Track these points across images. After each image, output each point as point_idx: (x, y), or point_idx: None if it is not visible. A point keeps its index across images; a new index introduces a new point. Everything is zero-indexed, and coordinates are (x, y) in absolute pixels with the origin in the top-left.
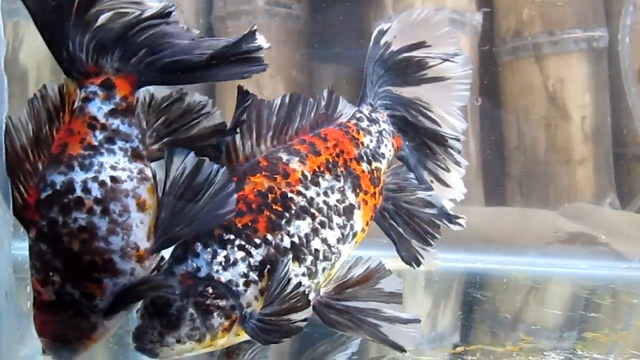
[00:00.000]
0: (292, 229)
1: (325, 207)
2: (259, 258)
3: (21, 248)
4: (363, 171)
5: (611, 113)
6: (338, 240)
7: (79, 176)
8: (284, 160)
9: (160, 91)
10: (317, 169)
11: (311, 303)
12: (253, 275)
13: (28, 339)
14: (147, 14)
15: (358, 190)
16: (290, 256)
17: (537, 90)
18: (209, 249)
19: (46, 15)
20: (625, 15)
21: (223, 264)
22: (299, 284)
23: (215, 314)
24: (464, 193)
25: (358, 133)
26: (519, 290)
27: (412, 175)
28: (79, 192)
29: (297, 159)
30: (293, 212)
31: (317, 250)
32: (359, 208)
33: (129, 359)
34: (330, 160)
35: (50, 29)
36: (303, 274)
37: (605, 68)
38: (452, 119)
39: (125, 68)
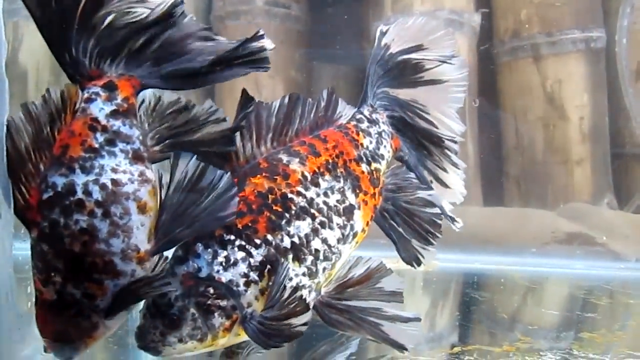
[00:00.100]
0: (292, 230)
1: (325, 208)
2: (259, 258)
3: (21, 248)
4: (363, 172)
5: (609, 113)
6: (338, 241)
7: (80, 179)
8: (284, 161)
9: (168, 96)
10: (317, 170)
11: (310, 307)
12: (253, 276)
13: (29, 339)
14: (151, 17)
15: (358, 191)
16: (291, 257)
17: (535, 90)
18: (209, 250)
19: (49, 21)
20: (623, 16)
21: (224, 264)
22: (296, 289)
23: (216, 314)
24: (464, 195)
25: (358, 134)
26: (516, 290)
27: (411, 175)
28: (80, 195)
29: (297, 160)
30: (293, 212)
31: (317, 251)
32: (359, 208)
33: (128, 358)
34: (330, 161)
35: (53, 33)
36: (303, 274)
37: (603, 68)
38: (449, 121)
39: (128, 71)
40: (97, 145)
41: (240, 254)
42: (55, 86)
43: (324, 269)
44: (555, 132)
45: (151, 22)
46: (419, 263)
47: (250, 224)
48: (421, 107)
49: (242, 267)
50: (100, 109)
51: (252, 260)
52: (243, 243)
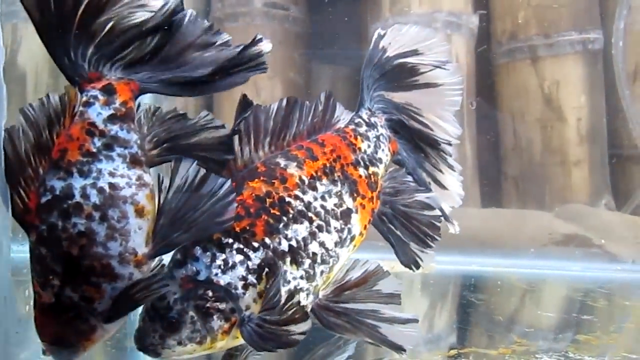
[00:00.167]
0: (289, 233)
1: (322, 211)
2: (257, 261)
3: (19, 251)
4: (360, 176)
5: (607, 114)
6: (336, 244)
7: (77, 182)
8: (282, 165)
9: (166, 106)
10: (314, 174)
11: (308, 316)
12: (251, 278)
13: (27, 342)
14: (152, 23)
15: (355, 195)
16: (288, 260)
17: (533, 92)
18: (208, 253)
19: (48, 25)
20: (619, 19)
21: (222, 267)
22: (294, 294)
23: (215, 317)
24: (462, 197)
25: (356, 139)
26: (513, 292)
27: (409, 178)
28: (78, 198)
29: (295, 164)
30: (291, 216)
31: (315, 254)
32: (356, 212)
33: None
34: (328, 165)
35: (52, 37)
36: (301, 277)
37: (600, 70)
38: (446, 124)
39: (127, 75)
40: (94, 150)
41: (239, 257)
42: (54, 89)
43: (322, 272)
44: (552, 133)
45: (152, 28)
46: (417, 266)
47: (248, 227)
48: (417, 110)
49: (241, 270)
50: (98, 114)
51: (250, 263)
52: (241, 246)
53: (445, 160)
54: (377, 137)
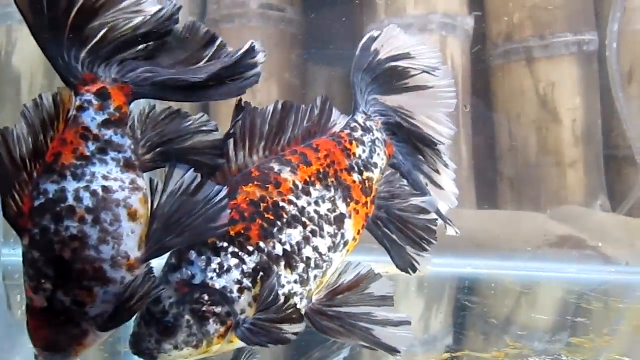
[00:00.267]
0: (284, 237)
1: (316, 216)
2: (252, 265)
3: (10, 255)
4: (354, 181)
5: (602, 115)
6: (329, 249)
7: (71, 185)
8: (276, 170)
9: (161, 105)
10: (308, 179)
11: (303, 318)
12: (247, 282)
13: (19, 347)
14: (147, 27)
15: (349, 200)
16: (283, 264)
17: (528, 93)
18: (203, 257)
19: (42, 27)
20: (613, 21)
21: (217, 271)
22: (290, 297)
23: (211, 321)
24: (456, 195)
25: (351, 144)
26: (507, 295)
27: (405, 182)
28: (71, 201)
29: (289, 169)
30: (285, 220)
31: (308, 258)
32: (350, 217)
33: None
34: (321, 170)
35: (46, 39)
36: (295, 282)
37: (595, 71)
38: (440, 126)
39: (122, 79)
40: (89, 154)
41: (234, 261)
42: (49, 91)
43: (316, 276)
44: (548, 134)
45: (147, 32)
46: (414, 270)
47: (243, 232)
48: (408, 113)
49: (236, 274)
50: (92, 119)
51: (245, 267)
52: (236, 250)
53: (442, 159)
54: (373, 142)
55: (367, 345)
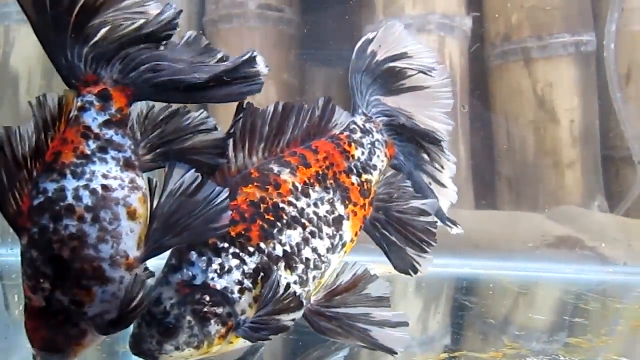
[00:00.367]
0: (283, 238)
1: (315, 218)
2: (252, 266)
3: (8, 255)
4: (352, 183)
5: (599, 116)
6: (328, 250)
7: (70, 184)
8: (275, 171)
9: (159, 104)
10: (307, 181)
11: (303, 303)
12: (247, 283)
13: (16, 348)
14: (149, 29)
15: (347, 202)
16: (282, 265)
17: (526, 93)
18: (203, 257)
19: (44, 25)
20: (611, 22)
21: (218, 271)
22: (289, 285)
23: (212, 321)
24: (456, 191)
25: (349, 146)
26: (505, 295)
27: (407, 183)
28: (70, 200)
29: (288, 170)
30: (284, 221)
31: (307, 259)
32: (348, 219)
33: None
34: (320, 172)
35: (49, 37)
36: (295, 282)
37: (593, 72)
38: (437, 124)
39: (123, 80)
40: (88, 152)
41: (235, 262)
42: (49, 91)
43: (314, 277)
44: (546, 135)
45: (149, 33)
46: (415, 271)
47: (243, 232)
48: (411, 111)
49: (237, 275)
50: (93, 119)
51: (245, 267)
52: (237, 251)
53: (445, 154)
54: (372, 144)
55: (365, 345)
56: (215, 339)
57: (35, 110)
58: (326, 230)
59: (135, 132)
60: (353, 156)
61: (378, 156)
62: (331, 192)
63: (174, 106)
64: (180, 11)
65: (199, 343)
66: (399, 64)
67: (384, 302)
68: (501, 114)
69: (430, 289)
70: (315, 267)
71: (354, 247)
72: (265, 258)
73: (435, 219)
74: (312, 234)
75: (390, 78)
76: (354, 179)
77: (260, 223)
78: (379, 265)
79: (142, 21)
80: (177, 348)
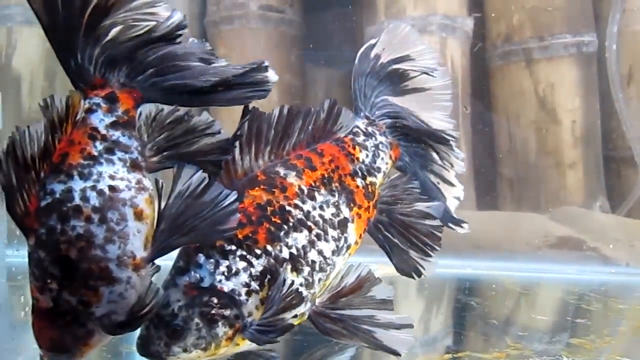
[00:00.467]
0: (290, 241)
1: (321, 221)
2: (259, 268)
3: (14, 256)
4: (357, 186)
5: (601, 116)
6: (333, 252)
7: (77, 185)
8: (282, 174)
9: (167, 107)
10: (313, 184)
11: (304, 299)
12: (254, 285)
13: (22, 349)
14: (158, 32)
15: (352, 205)
16: (289, 267)
17: (528, 94)
18: (211, 260)
19: (55, 26)
20: (612, 23)
21: (226, 274)
22: (293, 282)
23: (220, 323)
24: (462, 188)
25: (354, 148)
26: (507, 295)
27: (412, 185)
28: (77, 201)
29: (294, 173)
30: (291, 224)
31: (313, 262)
32: (352, 222)
33: None
34: (326, 175)
35: (60, 39)
36: (301, 284)
37: (594, 72)
38: (441, 123)
39: (130, 84)
40: (95, 153)
41: (242, 264)
42: (49, 92)
43: (320, 279)
44: (547, 135)
45: (157, 37)
46: (419, 274)
47: (250, 235)
48: (417, 111)
49: (244, 277)
50: (100, 120)
51: (253, 270)
52: (244, 253)
53: (454, 152)
54: (376, 146)
55: (368, 346)
56: (222, 341)
57: (42, 111)
58: (332, 232)
59: (143, 134)
60: (358, 159)
61: (382, 158)
62: (337, 195)
63: (182, 110)
64: (184, 15)
65: (206, 345)
66: (403, 65)
67: (388, 305)
68: (503, 114)
69: (433, 289)
70: (321, 270)
71: (357, 248)
72: (272, 260)
73: (440, 222)
74: (318, 236)
75: (395, 79)
76: (359, 181)
77: (267, 226)
78: (382, 266)
79: (152, 24)
80: (184, 350)
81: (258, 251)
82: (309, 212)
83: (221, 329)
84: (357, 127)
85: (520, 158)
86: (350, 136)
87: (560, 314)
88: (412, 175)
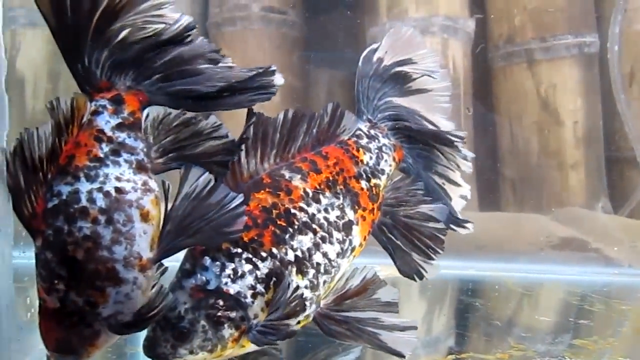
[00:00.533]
0: (295, 243)
1: (325, 223)
2: (265, 271)
3: (20, 258)
4: (362, 188)
5: (603, 117)
6: (338, 255)
7: (84, 186)
8: (287, 177)
9: (175, 110)
10: (317, 187)
11: (306, 305)
12: (260, 288)
13: (28, 349)
14: (165, 36)
15: (357, 207)
16: (294, 270)
17: (530, 95)
18: (217, 262)
19: (64, 30)
20: (614, 24)
21: (232, 276)
22: (298, 287)
23: (226, 325)
24: (469, 188)
25: (358, 151)
26: (510, 296)
27: (415, 187)
28: (84, 202)
29: (299, 176)
30: (296, 227)
31: (318, 264)
32: (357, 224)
33: None
34: (331, 178)
35: (68, 42)
36: (306, 287)
37: (596, 73)
38: (445, 124)
39: (136, 87)
40: (102, 155)
41: (248, 267)
42: (53, 94)
43: (325, 282)
44: (549, 136)
45: (165, 40)
46: (420, 277)
47: (256, 238)
48: (421, 112)
49: (250, 279)
50: (106, 122)
51: (258, 272)
52: (250, 256)
53: (460, 152)
54: (379, 148)
55: (372, 348)
56: (228, 343)
57: (49, 113)
58: (336, 235)
59: (149, 136)
60: (362, 161)
61: (386, 160)
62: (341, 198)
63: (189, 113)
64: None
65: (212, 347)
66: (405, 68)
67: (393, 308)
68: (505, 115)
69: (436, 290)
70: (326, 272)
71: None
72: (277, 263)
73: (444, 225)
74: (323, 239)
75: (399, 81)
76: (363, 184)
77: (273, 229)
78: (385, 267)
79: (160, 26)
80: (191, 352)
81: (264, 254)
82: (314, 214)
83: (227, 331)
84: (360, 129)
85: (522, 159)
86: (354, 139)
87: (563, 315)
88: (416, 177)
